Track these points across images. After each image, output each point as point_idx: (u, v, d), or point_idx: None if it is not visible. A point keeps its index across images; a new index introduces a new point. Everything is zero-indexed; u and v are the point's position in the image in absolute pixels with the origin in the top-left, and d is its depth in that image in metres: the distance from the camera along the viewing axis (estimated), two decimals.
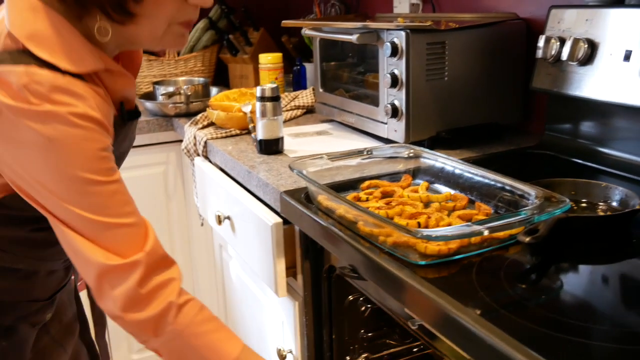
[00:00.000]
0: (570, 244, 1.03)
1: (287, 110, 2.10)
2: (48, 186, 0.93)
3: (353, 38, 1.61)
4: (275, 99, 1.63)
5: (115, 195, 0.97)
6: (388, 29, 1.55)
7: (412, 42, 1.51)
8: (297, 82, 2.46)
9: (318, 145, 1.71)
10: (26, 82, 0.88)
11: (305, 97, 2.14)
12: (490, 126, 1.67)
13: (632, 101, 1.30)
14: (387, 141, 1.67)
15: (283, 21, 1.85)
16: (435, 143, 1.61)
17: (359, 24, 1.61)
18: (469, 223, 0.95)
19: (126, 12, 0.95)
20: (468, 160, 1.50)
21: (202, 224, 2.10)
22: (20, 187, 0.96)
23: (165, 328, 0.99)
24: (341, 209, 1.13)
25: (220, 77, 2.73)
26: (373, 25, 1.59)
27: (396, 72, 1.55)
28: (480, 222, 0.97)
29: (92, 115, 0.93)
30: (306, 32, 1.84)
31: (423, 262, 0.95)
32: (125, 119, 1.09)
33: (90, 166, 0.93)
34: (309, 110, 2.14)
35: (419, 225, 1.08)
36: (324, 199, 1.19)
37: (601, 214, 1.14)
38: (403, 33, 1.51)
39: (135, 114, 1.14)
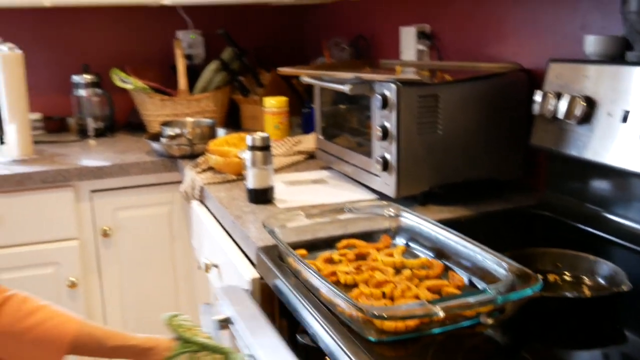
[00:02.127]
0: (544, 326, 0.96)
1: (288, 156, 2.06)
2: None
3: (346, 89, 1.57)
4: (265, 148, 1.59)
5: None
6: (379, 81, 1.51)
7: (403, 95, 1.46)
8: (306, 124, 2.43)
9: (310, 195, 1.66)
10: None
11: (308, 142, 2.10)
12: (488, 182, 1.60)
13: (632, 167, 1.22)
14: (380, 194, 1.61)
15: (279, 69, 1.82)
16: (428, 198, 1.55)
17: (351, 75, 1.57)
18: (423, 301, 0.89)
19: None
20: (460, 220, 1.45)
21: (199, 267, 2.06)
22: None
23: None
24: (305, 272, 1.08)
25: (233, 117, 2.72)
26: (365, 76, 1.55)
27: (387, 124, 1.50)
28: (441, 300, 0.90)
29: None
30: (304, 79, 1.81)
31: (374, 340, 0.89)
32: None
33: None
34: (313, 155, 2.10)
35: (384, 295, 1.02)
36: (292, 261, 1.14)
37: (586, 290, 1.06)
38: (393, 85, 1.46)
39: None
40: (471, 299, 0.90)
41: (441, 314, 0.87)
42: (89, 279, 2.20)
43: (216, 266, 1.67)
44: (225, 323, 1.23)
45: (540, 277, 0.95)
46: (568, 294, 1.04)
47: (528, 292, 0.92)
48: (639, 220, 1.28)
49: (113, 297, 2.25)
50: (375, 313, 0.86)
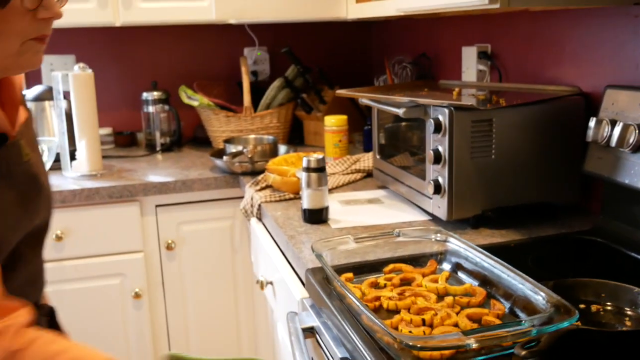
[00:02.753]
0: (581, 358, 0.96)
1: (346, 174, 2.09)
2: None
3: (400, 112, 1.59)
4: (320, 169, 1.63)
5: None
6: (433, 105, 1.52)
7: (456, 120, 1.47)
8: (367, 141, 2.46)
9: (364, 216, 1.69)
10: None
11: (366, 160, 2.13)
12: (542, 206, 1.59)
13: None
14: (433, 216, 1.63)
15: (337, 91, 1.86)
16: (481, 222, 1.55)
17: (406, 99, 1.59)
18: (458, 332, 0.91)
19: None
20: (510, 245, 1.44)
21: (257, 282, 2.11)
22: None
23: None
24: (348, 298, 1.11)
25: (297, 132, 2.78)
26: (420, 100, 1.57)
27: (440, 148, 1.51)
28: (476, 330, 0.92)
29: None
30: (362, 101, 1.84)
31: None
32: None
33: None
34: (370, 174, 2.13)
35: (424, 322, 1.04)
36: (337, 285, 1.17)
37: (627, 322, 1.05)
38: (446, 110, 1.48)
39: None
40: (506, 331, 0.91)
41: (474, 345, 0.88)
42: (153, 290, 2.29)
43: (271, 283, 1.71)
44: (310, 332, 1.27)
45: (576, 310, 0.94)
46: (606, 327, 1.03)
47: (563, 325, 0.92)
48: None
49: (176, 308, 2.33)
50: (410, 343, 0.88)
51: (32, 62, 1.00)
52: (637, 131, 1.31)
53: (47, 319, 1.20)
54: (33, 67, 1.02)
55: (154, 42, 2.88)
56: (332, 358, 1.13)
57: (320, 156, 1.64)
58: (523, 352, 0.89)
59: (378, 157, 1.95)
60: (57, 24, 1.02)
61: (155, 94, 2.72)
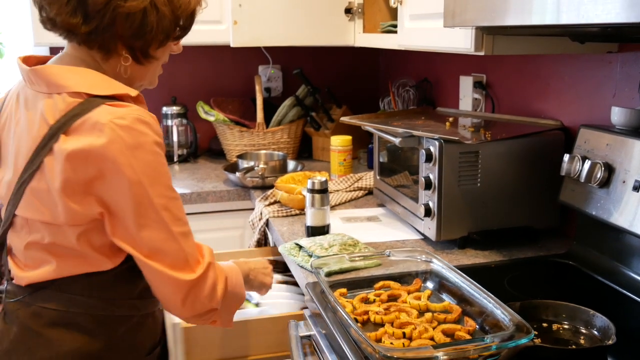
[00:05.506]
0: None
1: (349, 191, 2.26)
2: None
3: (397, 141, 1.76)
4: (323, 191, 1.80)
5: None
6: (426, 137, 1.69)
7: (445, 152, 1.64)
8: (371, 158, 2.63)
9: (362, 233, 1.85)
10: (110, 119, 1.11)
11: (368, 179, 2.30)
12: (523, 229, 1.75)
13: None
14: (424, 236, 1.79)
15: (341, 118, 2.03)
16: (467, 243, 1.72)
17: (402, 130, 1.76)
18: (429, 346, 1.07)
19: (150, 56, 1.24)
20: (490, 265, 1.61)
21: None
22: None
23: (226, 291, 1.27)
24: (339, 312, 1.27)
25: (306, 147, 2.96)
26: (415, 132, 1.73)
27: (430, 176, 1.68)
28: (446, 344, 1.09)
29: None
30: (365, 128, 2.01)
31: None
32: None
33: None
34: (371, 192, 2.29)
35: (404, 335, 1.21)
36: (331, 300, 1.34)
37: (581, 340, 1.21)
38: (437, 142, 1.64)
39: None
40: (471, 345, 1.08)
41: (442, 357, 1.05)
42: None
43: None
44: (308, 340, 1.44)
45: (532, 329, 1.11)
46: (563, 344, 1.20)
47: (521, 342, 1.09)
48: None
49: None
50: (387, 354, 1.05)
51: (156, 81, 1.37)
52: (602, 169, 1.47)
53: None
54: (153, 86, 1.37)
55: (175, 61, 3.03)
56: None
57: (324, 178, 1.81)
58: None
59: (378, 177, 2.11)
60: None
61: (175, 109, 2.90)
